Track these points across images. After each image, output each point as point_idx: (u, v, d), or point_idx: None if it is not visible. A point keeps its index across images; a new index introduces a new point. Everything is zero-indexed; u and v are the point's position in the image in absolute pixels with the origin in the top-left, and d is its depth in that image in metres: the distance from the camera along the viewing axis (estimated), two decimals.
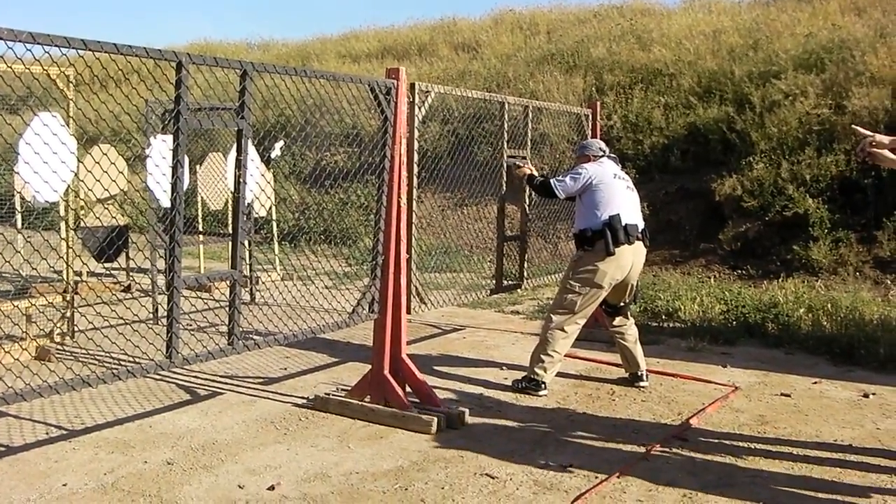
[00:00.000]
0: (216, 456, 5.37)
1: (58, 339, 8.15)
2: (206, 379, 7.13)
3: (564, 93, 16.20)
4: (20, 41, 3.82)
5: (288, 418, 6.15)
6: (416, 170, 6.50)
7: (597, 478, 5.06)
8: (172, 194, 4.64)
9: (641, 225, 7.02)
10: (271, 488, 4.85)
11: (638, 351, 7.27)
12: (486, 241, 12.67)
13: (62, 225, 8.61)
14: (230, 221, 11.92)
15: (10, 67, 4.35)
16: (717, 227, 12.72)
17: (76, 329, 8.35)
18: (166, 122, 9.18)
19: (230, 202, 11.36)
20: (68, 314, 8.27)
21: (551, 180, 7.22)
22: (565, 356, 7.05)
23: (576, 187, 7.03)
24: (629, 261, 6.88)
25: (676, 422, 6.21)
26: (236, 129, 4.99)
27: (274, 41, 28.35)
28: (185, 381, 7.08)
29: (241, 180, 4.95)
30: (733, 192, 12.56)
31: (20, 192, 7.91)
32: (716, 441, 5.78)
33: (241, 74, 4.93)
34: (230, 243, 5.20)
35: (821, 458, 5.45)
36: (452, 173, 7.90)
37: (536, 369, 6.90)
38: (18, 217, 10.00)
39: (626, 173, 7.39)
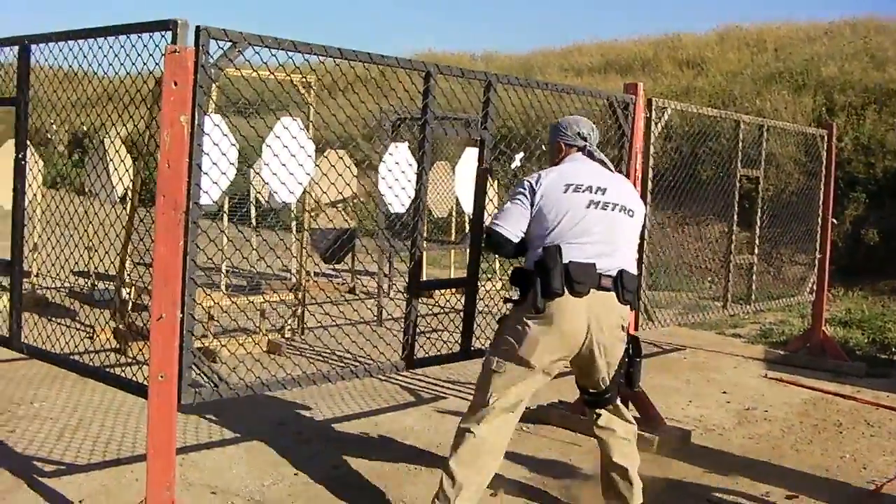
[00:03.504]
0: (439, 459, 5.47)
1: (288, 334, 8.49)
2: (427, 382, 7.28)
3: (792, 112, 15.69)
4: (283, 49, 4.06)
5: None
6: (649, 185, 6.47)
7: None
8: (416, 201, 4.78)
9: (618, 267, 4.26)
10: (493, 495, 4.89)
11: (624, 475, 4.56)
12: (704, 261, 12.43)
13: (293, 225, 8.99)
14: (453, 230, 12.20)
15: (273, 74, 4.60)
16: None
17: (305, 326, 8.68)
18: (396, 130, 9.41)
19: (454, 210, 11.57)
20: (299, 311, 8.60)
21: (488, 224, 4.67)
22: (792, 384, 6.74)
23: (520, 218, 4.36)
24: (580, 322, 4.19)
25: None
26: (478, 139, 5.10)
27: (497, 53, 28.36)
28: (408, 382, 7.25)
29: (482, 190, 5.04)
30: None
31: (270, 192, 8.18)
32: None
33: (485, 86, 5.03)
34: (468, 252, 5.30)
35: None
36: (675, 191, 7.77)
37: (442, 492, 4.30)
38: (253, 215, 10.53)
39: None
